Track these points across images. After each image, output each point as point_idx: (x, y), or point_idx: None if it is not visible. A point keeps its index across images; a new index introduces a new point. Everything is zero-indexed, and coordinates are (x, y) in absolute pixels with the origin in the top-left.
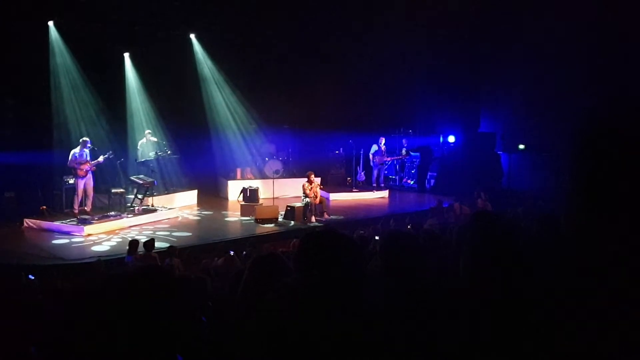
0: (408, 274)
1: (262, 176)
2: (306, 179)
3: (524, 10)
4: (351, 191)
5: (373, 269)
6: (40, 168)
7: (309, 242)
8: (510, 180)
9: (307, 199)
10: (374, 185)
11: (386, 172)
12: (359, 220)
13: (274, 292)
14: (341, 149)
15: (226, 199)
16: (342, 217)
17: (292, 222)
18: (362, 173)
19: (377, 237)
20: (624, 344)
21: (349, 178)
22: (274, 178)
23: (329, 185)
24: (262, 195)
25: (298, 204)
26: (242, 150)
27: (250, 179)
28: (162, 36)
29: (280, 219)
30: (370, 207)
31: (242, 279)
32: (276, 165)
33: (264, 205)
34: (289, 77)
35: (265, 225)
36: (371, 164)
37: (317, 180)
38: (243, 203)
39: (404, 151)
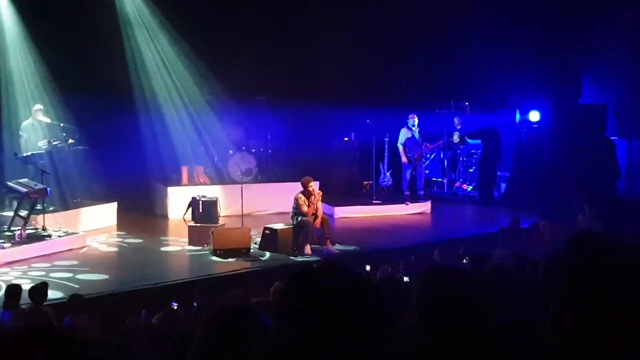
0: (463, 340)
1: (224, 180)
2: (302, 188)
3: None
4: (370, 204)
5: (406, 331)
6: None
7: (298, 286)
8: (631, 183)
9: (301, 218)
10: (407, 193)
11: (427, 171)
12: (383, 252)
13: None
14: (353, 135)
15: (165, 216)
16: (354, 247)
17: (273, 255)
18: (388, 174)
19: (406, 279)
20: None
21: (366, 183)
22: (242, 182)
23: (332, 193)
24: (223, 210)
25: (283, 225)
26: (190, 138)
27: (203, 183)
28: None
29: (253, 250)
30: (401, 228)
31: (191, 346)
32: (246, 161)
33: (226, 227)
34: (266, 19)
35: (229, 261)
36: (402, 159)
37: (317, 186)
38: (192, 224)
39: (455, 136)
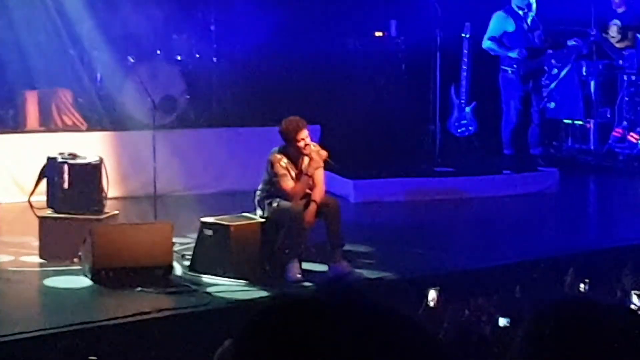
0: None
1: (116, 120)
2: (282, 142)
3: None
4: (431, 174)
5: None
6: None
7: (265, 344)
8: None
9: (281, 202)
10: (509, 152)
11: (552, 105)
12: (453, 274)
13: None
14: (394, 25)
15: None
16: (398, 261)
17: (219, 284)
18: (469, 110)
19: (503, 322)
20: None
21: (431, 128)
22: (155, 126)
23: (347, 153)
24: (114, 187)
25: (241, 219)
26: (44, 31)
27: (72, 128)
28: None
29: (178, 271)
30: (491, 226)
31: None
32: (164, 80)
33: (121, 221)
34: None
35: (126, 294)
36: (500, 81)
37: (314, 138)
38: (48, 213)
39: (613, 30)
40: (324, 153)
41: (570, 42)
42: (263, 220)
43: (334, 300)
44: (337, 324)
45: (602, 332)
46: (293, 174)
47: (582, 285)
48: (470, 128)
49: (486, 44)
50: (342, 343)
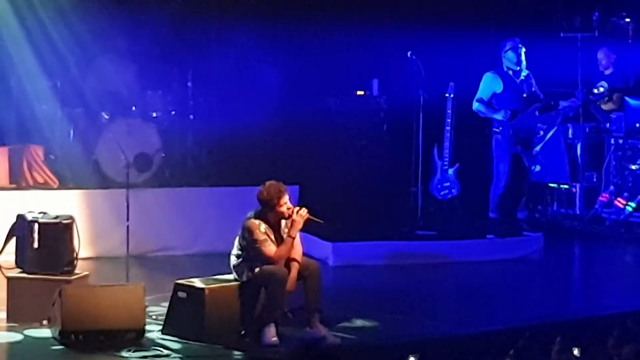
0: None
1: (89, 178)
2: (260, 206)
3: None
4: (413, 237)
5: None
6: None
7: None
8: None
9: (260, 268)
10: (495, 215)
11: (537, 168)
12: (434, 341)
13: None
14: (375, 84)
15: None
16: (373, 324)
17: (193, 348)
18: (451, 172)
19: None
20: None
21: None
22: (129, 185)
23: (328, 214)
24: (86, 247)
25: (217, 282)
26: (17, 85)
27: (44, 186)
28: None
29: (151, 335)
30: (476, 292)
31: None
32: (139, 138)
33: (92, 283)
34: None
35: (101, 357)
36: (493, 140)
37: (294, 199)
38: (16, 274)
39: (600, 91)
40: (304, 211)
41: (564, 103)
42: (239, 283)
43: None
44: None
45: None
46: (272, 238)
47: (575, 352)
48: (453, 190)
49: (475, 105)
50: None
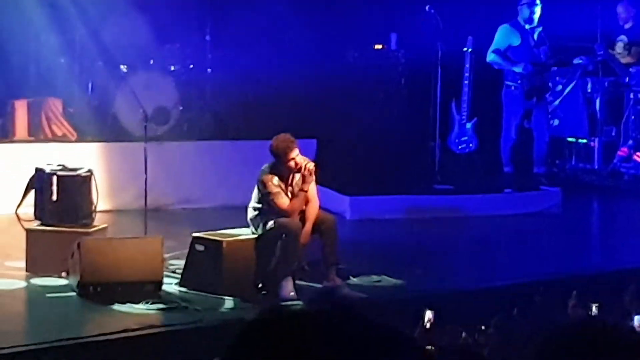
0: None
1: (107, 131)
2: (273, 158)
3: None
4: (429, 191)
5: None
6: None
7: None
8: None
9: (275, 220)
10: (509, 170)
11: (556, 122)
12: (450, 294)
13: None
14: (394, 39)
15: None
16: (394, 280)
17: (211, 300)
18: (469, 126)
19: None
20: None
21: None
22: (147, 138)
23: (344, 168)
24: (104, 200)
25: (235, 235)
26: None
27: (62, 138)
28: None
29: (169, 287)
30: (491, 245)
31: None
32: (157, 91)
33: (110, 235)
34: None
35: (115, 310)
36: (502, 96)
37: (309, 155)
38: (35, 226)
39: (619, 47)
40: (312, 166)
41: (577, 61)
42: (256, 236)
43: (325, 313)
44: (327, 336)
45: (614, 353)
46: (284, 190)
47: (593, 308)
48: (470, 145)
49: (490, 57)
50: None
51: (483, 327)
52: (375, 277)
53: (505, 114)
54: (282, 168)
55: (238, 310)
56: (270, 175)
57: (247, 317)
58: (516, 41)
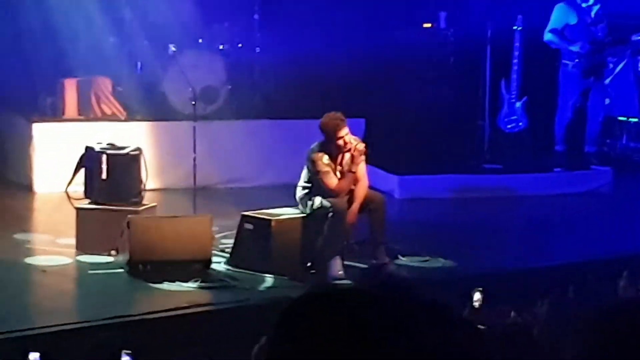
0: None
1: (156, 110)
2: (322, 137)
3: None
4: (479, 170)
5: None
6: None
7: (303, 331)
8: None
9: (323, 200)
10: (561, 148)
11: (608, 101)
12: (503, 275)
13: None
14: (443, 17)
15: (26, 188)
16: (442, 260)
17: (260, 278)
18: (519, 105)
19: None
20: None
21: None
22: (196, 117)
23: (392, 148)
24: (153, 179)
25: (283, 213)
26: (84, 19)
27: (112, 117)
28: None
29: (218, 265)
30: (543, 226)
31: None
32: (206, 70)
33: (159, 214)
34: None
35: (164, 288)
36: (559, 75)
37: (357, 133)
38: (85, 204)
39: None
40: (362, 146)
41: (635, 37)
42: (304, 215)
43: (373, 290)
44: (374, 313)
45: None
46: (333, 169)
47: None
48: (520, 124)
49: (547, 36)
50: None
51: (532, 308)
52: (423, 257)
53: (561, 93)
54: (331, 147)
55: (286, 289)
56: (320, 154)
57: (295, 295)
58: (573, 20)
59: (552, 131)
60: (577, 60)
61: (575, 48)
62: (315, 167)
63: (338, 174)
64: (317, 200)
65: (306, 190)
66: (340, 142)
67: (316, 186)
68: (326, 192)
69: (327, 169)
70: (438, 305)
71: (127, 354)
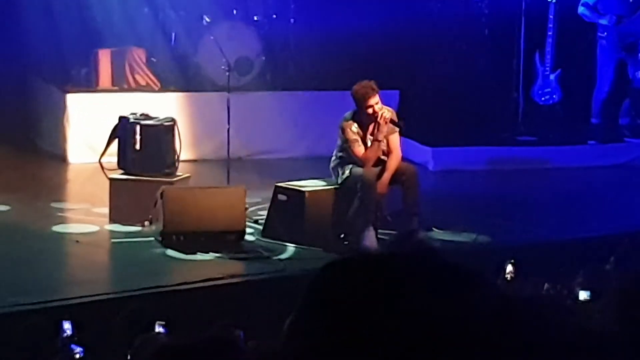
0: None
1: (190, 81)
2: (354, 107)
3: None
4: (513, 142)
5: None
6: None
7: (338, 291)
8: None
9: (353, 169)
10: (596, 120)
11: (639, 74)
12: (537, 247)
13: None
14: None
15: (60, 158)
16: (476, 235)
17: (293, 250)
18: (553, 77)
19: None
20: None
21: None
22: (230, 88)
23: (424, 119)
24: (187, 150)
25: (316, 185)
26: None
27: (146, 88)
28: None
29: (252, 237)
30: (579, 198)
31: None
32: (240, 42)
33: (193, 185)
34: None
35: (197, 259)
36: (597, 45)
37: (389, 103)
38: (118, 175)
39: None
40: (388, 114)
41: None
42: (337, 186)
43: (405, 253)
44: (407, 276)
45: None
46: (363, 139)
47: None
48: (554, 96)
49: (580, 9)
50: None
51: (566, 280)
52: (457, 228)
53: (599, 66)
54: (362, 115)
55: (319, 261)
56: (350, 122)
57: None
58: None
59: (587, 104)
60: (605, 33)
61: (604, 21)
62: (344, 134)
63: (369, 142)
64: (348, 169)
65: (338, 160)
66: (370, 110)
67: (347, 155)
68: (355, 161)
69: (355, 137)
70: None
71: (161, 325)
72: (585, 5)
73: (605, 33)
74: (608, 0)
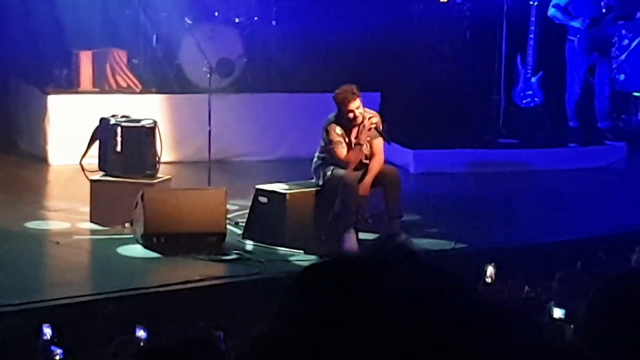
0: None
1: (171, 83)
2: (336, 109)
3: None
4: (493, 145)
5: None
6: None
7: (315, 294)
8: None
9: (334, 171)
10: (573, 124)
11: (622, 77)
12: (515, 250)
13: None
14: None
15: (40, 159)
16: (453, 241)
17: (273, 251)
18: (534, 80)
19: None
20: None
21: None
22: (212, 90)
23: (406, 121)
24: (168, 152)
25: (297, 187)
26: None
27: (127, 89)
28: None
29: (232, 238)
30: (557, 201)
31: None
32: (222, 43)
33: (174, 187)
34: None
35: (178, 260)
36: (566, 47)
37: (371, 106)
38: (99, 177)
39: None
40: (375, 119)
41: None
42: (318, 188)
43: (386, 256)
44: (386, 280)
45: None
46: (346, 141)
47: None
48: (536, 99)
49: (550, 11)
50: (390, 300)
51: (546, 282)
52: (437, 230)
53: (568, 69)
54: (345, 118)
55: (301, 263)
56: (333, 125)
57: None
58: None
59: (565, 107)
60: (578, 36)
61: (576, 24)
62: (327, 136)
63: (352, 145)
64: (329, 171)
65: (320, 161)
66: (350, 115)
67: (329, 156)
68: (337, 163)
69: (339, 139)
70: (449, 273)
71: (141, 327)
72: (557, 7)
73: (578, 36)
74: (581, 2)
